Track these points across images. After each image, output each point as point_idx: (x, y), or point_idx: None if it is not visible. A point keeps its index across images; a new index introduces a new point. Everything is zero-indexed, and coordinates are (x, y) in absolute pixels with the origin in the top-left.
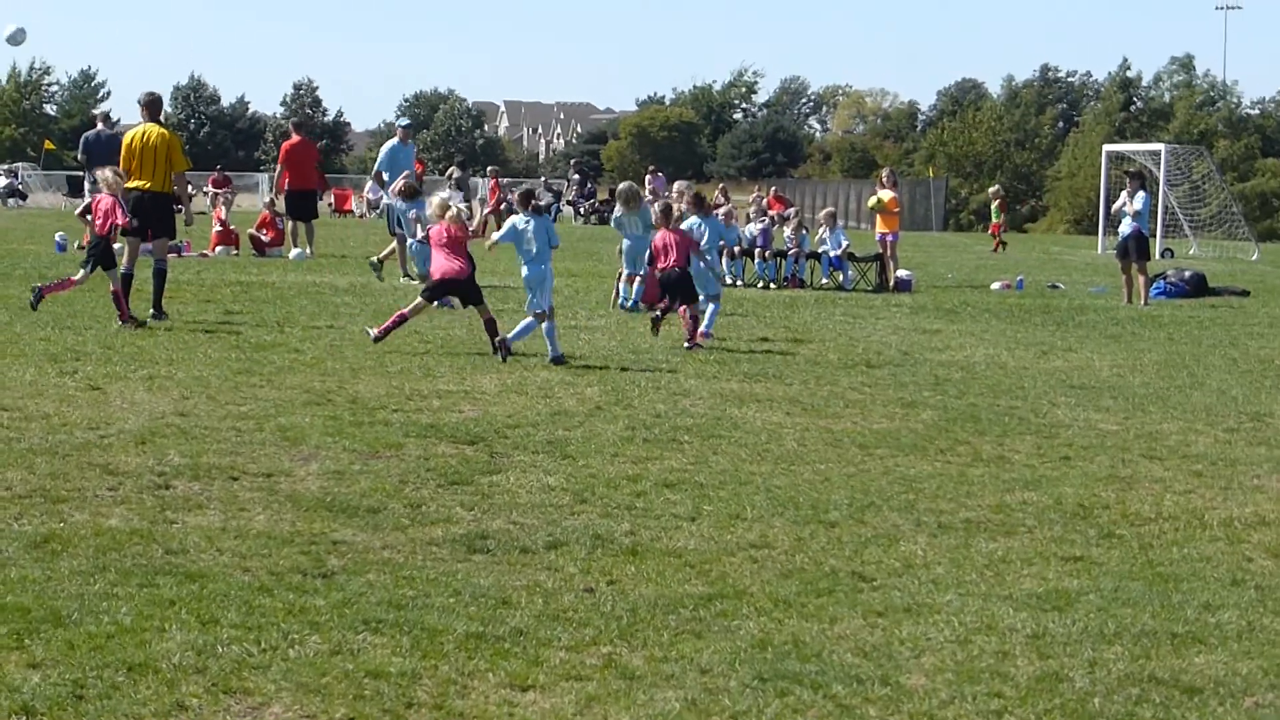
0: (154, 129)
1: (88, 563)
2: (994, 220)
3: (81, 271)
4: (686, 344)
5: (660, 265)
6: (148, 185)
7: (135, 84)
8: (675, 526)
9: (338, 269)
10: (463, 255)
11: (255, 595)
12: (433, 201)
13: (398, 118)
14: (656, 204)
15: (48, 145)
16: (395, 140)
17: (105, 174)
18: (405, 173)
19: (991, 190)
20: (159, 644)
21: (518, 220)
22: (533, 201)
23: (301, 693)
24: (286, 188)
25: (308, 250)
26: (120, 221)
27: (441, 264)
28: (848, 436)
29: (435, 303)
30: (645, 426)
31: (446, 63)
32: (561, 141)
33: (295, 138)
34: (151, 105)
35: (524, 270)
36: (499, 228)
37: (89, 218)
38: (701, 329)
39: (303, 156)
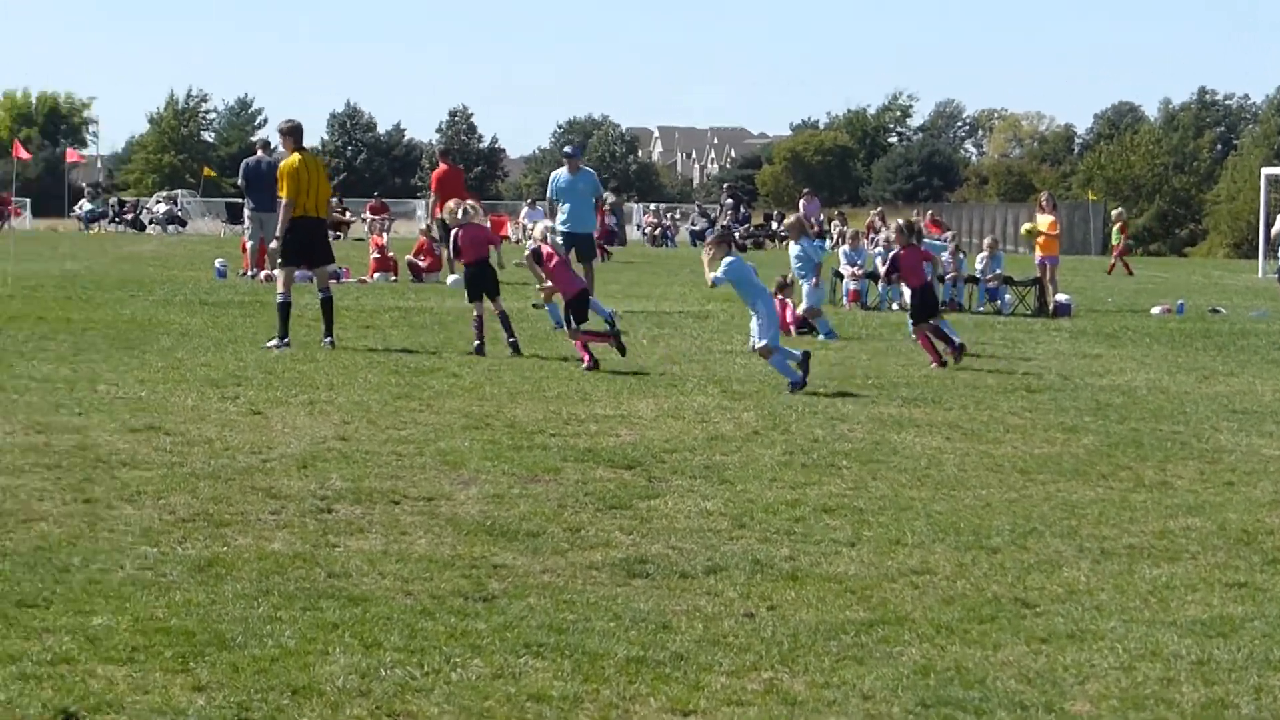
0: (307, 156)
1: (251, 586)
2: (1114, 243)
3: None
4: (933, 363)
5: (912, 283)
6: (313, 212)
7: (291, 111)
8: (835, 552)
9: None
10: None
11: (417, 618)
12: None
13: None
14: (897, 221)
15: (206, 172)
16: (564, 170)
17: (464, 205)
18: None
19: (1114, 213)
20: (322, 667)
21: (735, 260)
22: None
23: (464, 716)
24: (440, 215)
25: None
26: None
27: (572, 279)
28: (1008, 461)
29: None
30: (803, 451)
31: (600, 89)
32: (715, 166)
33: (443, 166)
34: (296, 132)
35: (760, 306)
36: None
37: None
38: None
39: (453, 183)
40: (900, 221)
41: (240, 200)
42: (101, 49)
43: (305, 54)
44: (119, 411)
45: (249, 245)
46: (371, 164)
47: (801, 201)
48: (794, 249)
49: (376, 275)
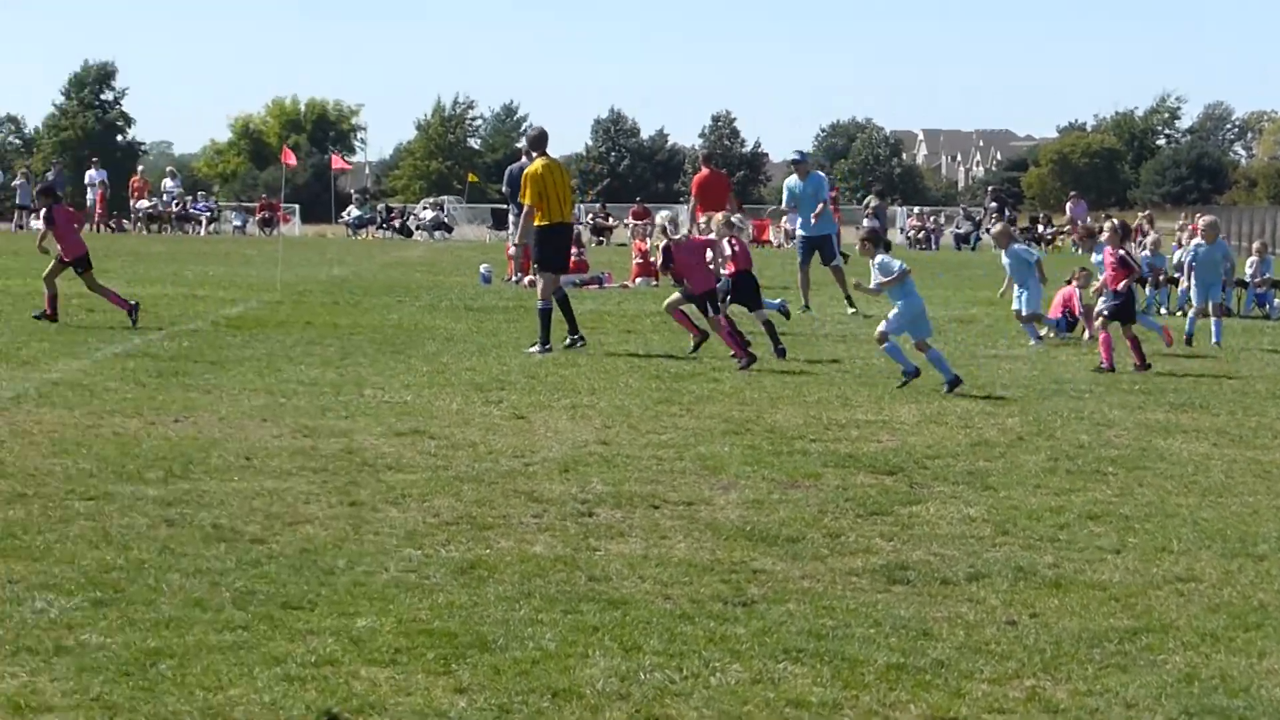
0: (551, 162)
1: (513, 589)
2: None
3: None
4: (1135, 366)
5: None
6: (557, 217)
7: (555, 117)
8: (1099, 559)
9: None
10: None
11: (677, 622)
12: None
13: (825, 150)
14: (1108, 222)
15: (471, 178)
16: (794, 176)
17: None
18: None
19: None
20: (582, 670)
21: (885, 259)
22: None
23: None
24: (700, 219)
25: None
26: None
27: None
28: (1277, 468)
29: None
30: (1068, 457)
31: (864, 91)
32: (980, 169)
33: (705, 170)
34: (539, 140)
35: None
36: None
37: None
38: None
39: (716, 188)
40: (1115, 221)
41: (505, 206)
42: (370, 57)
43: (570, 60)
44: (385, 415)
45: (513, 251)
46: (635, 169)
47: (1069, 204)
48: (1004, 259)
49: (639, 280)
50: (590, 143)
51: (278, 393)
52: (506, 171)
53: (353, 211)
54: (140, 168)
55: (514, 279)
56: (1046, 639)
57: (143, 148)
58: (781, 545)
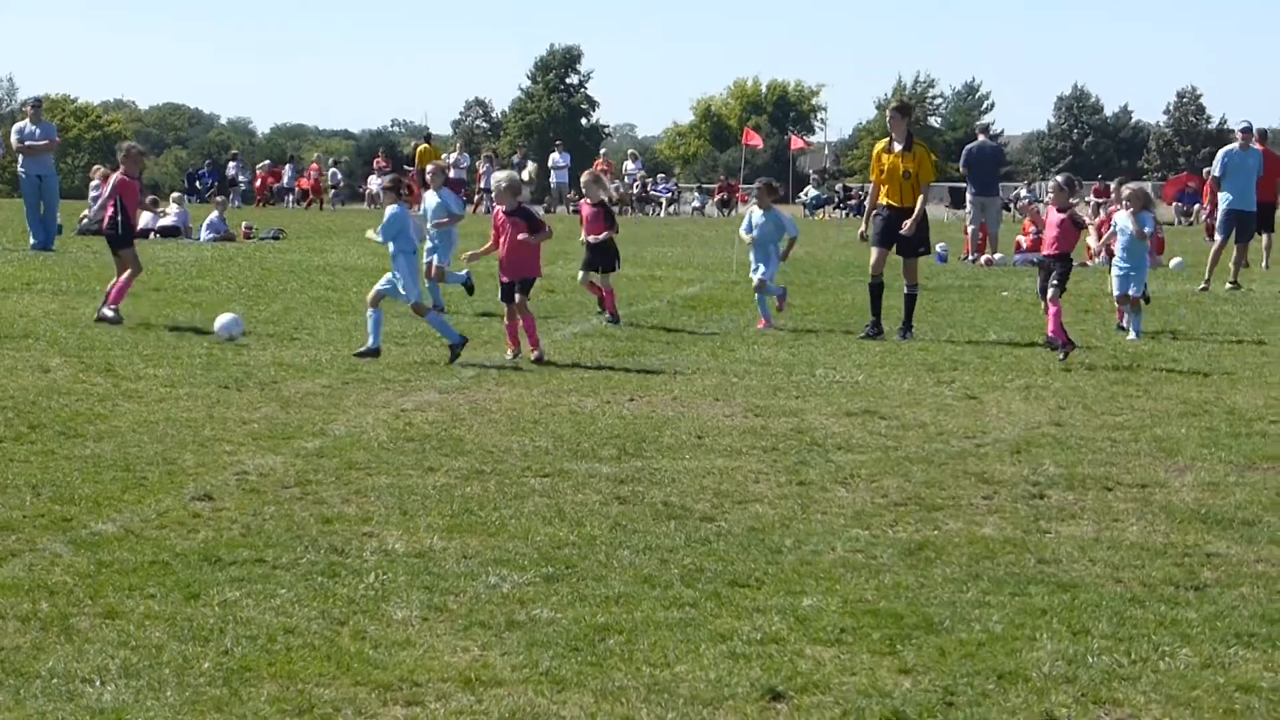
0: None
1: (960, 570)
2: None
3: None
4: None
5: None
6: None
7: (1017, 95)
8: None
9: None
10: None
11: (1126, 606)
12: None
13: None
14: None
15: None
16: (1233, 146)
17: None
18: None
19: None
20: (1029, 653)
21: None
22: None
23: (1171, 705)
24: None
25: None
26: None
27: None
28: None
29: None
30: None
31: None
32: None
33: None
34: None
35: None
36: None
37: None
38: None
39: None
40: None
41: (962, 185)
42: (833, 37)
43: (1032, 36)
44: (835, 395)
45: (970, 230)
46: (1097, 147)
47: None
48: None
49: (1097, 259)
50: (1053, 120)
51: (730, 372)
52: (965, 150)
53: (810, 191)
54: (604, 150)
55: (970, 258)
56: None
57: (606, 130)
58: (1237, 529)
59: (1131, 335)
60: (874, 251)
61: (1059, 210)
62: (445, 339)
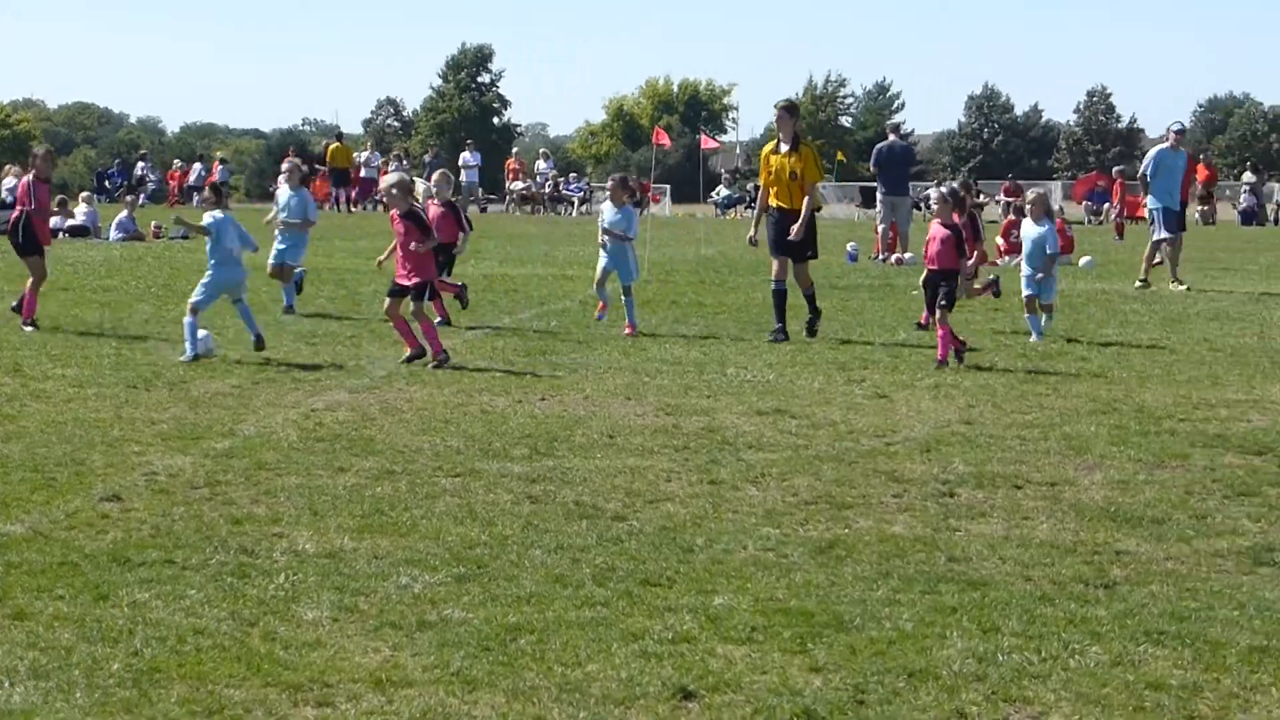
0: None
1: (871, 569)
2: None
3: None
4: None
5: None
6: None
7: (927, 94)
8: None
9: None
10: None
11: (1036, 604)
12: None
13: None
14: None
15: (839, 156)
16: (1164, 146)
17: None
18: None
19: None
20: (940, 650)
21: None
22: None
23: (1081, 703)
24: None
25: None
26: None
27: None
28: None
29: None
30: None
31: (1243, 66)
32: None
33: None
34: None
35: None
36: None
37: None
38: None
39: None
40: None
41: (873, 185)
42: (745, 36)
43: (942, 36)
44: (747, 394)
45: (880, 229)
46: (1008, 146)
47: None
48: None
49: (1005, 258)
50: (963, 119)
51: (642, 371)
52: (875, 150)
53: (722, 191)
54: (515, 149)
55: (880, 257)
56: None
57: (519, 129)
58: (1146, 527)
59: (1034, 337)
60: (774, 259)
61: (943, 225)
62: (249, 331)
